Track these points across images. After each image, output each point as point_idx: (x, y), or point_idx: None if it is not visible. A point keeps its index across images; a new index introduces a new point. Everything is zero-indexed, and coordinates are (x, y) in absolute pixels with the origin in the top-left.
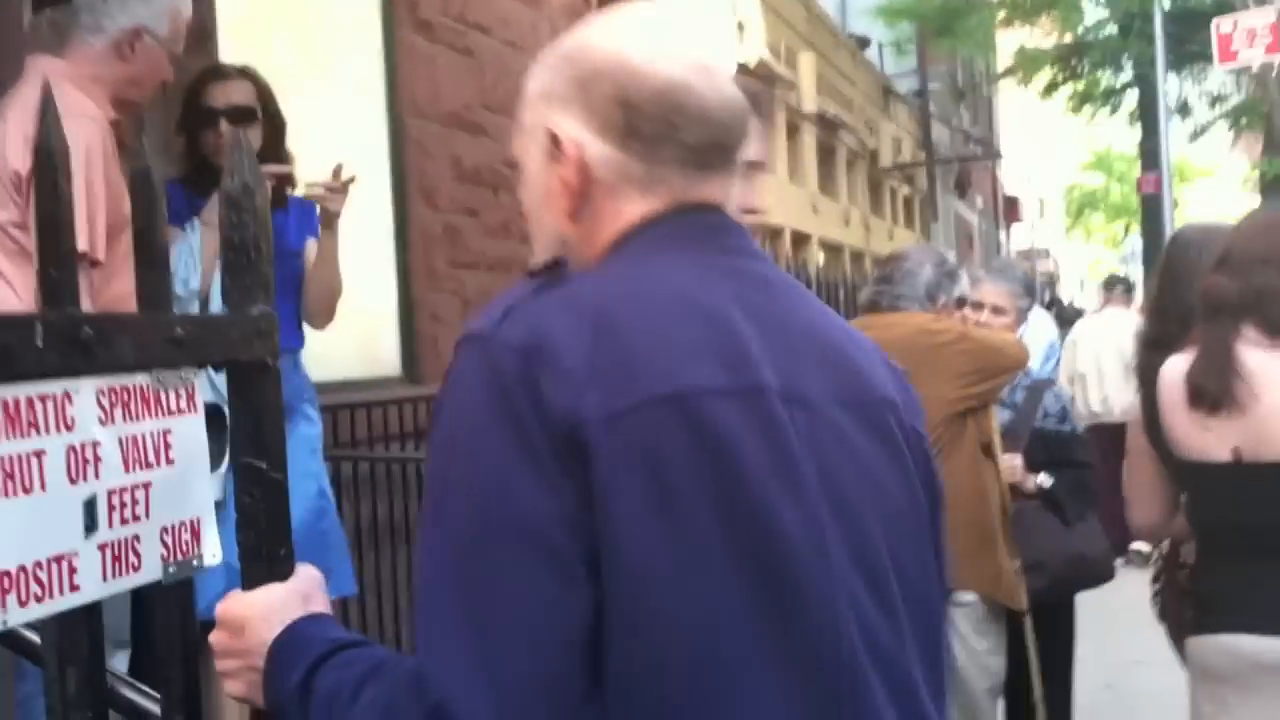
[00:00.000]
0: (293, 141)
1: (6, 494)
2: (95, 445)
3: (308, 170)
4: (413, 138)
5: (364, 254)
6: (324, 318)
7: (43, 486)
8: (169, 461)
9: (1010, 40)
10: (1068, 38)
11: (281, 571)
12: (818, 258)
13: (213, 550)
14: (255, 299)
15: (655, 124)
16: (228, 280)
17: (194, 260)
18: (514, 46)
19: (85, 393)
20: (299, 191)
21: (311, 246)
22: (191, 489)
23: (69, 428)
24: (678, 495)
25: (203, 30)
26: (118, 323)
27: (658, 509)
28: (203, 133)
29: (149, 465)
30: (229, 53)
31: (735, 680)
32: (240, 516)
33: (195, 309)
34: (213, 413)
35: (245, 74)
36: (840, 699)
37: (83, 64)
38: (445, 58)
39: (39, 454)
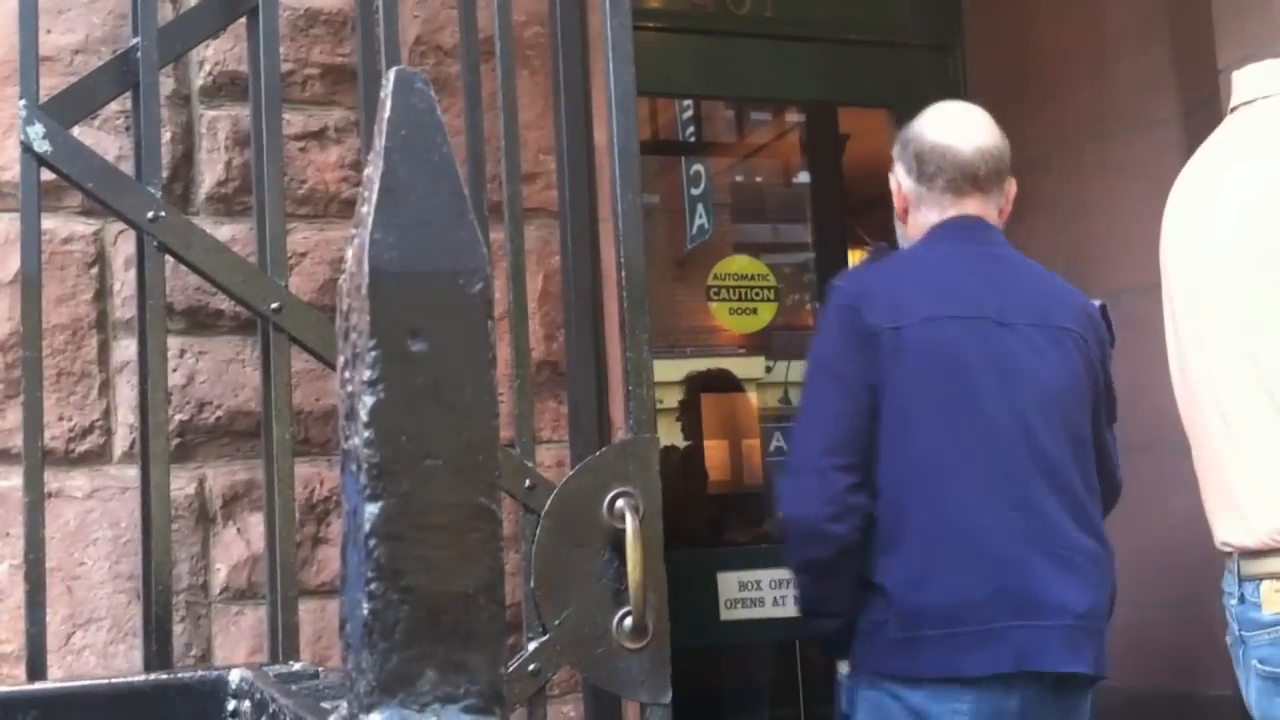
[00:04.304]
0: None
1: None
2: None
3: None
4: None
5: None
6: None
7: None
8: None
9: None
10: None
11: None
12: None
13: None
14: None
15: (929, 166)
16: None
17: None
18: None
19: None
20: None
21: None
22: None
23: None
24: (918, 363)
25: None
26: None
27: (902, 370)
28: None
29: None
30: None
31: (946, 468)
32: None
33: None
34: None
35: None
36: (1013, 484)
37: None
38: None
39: None
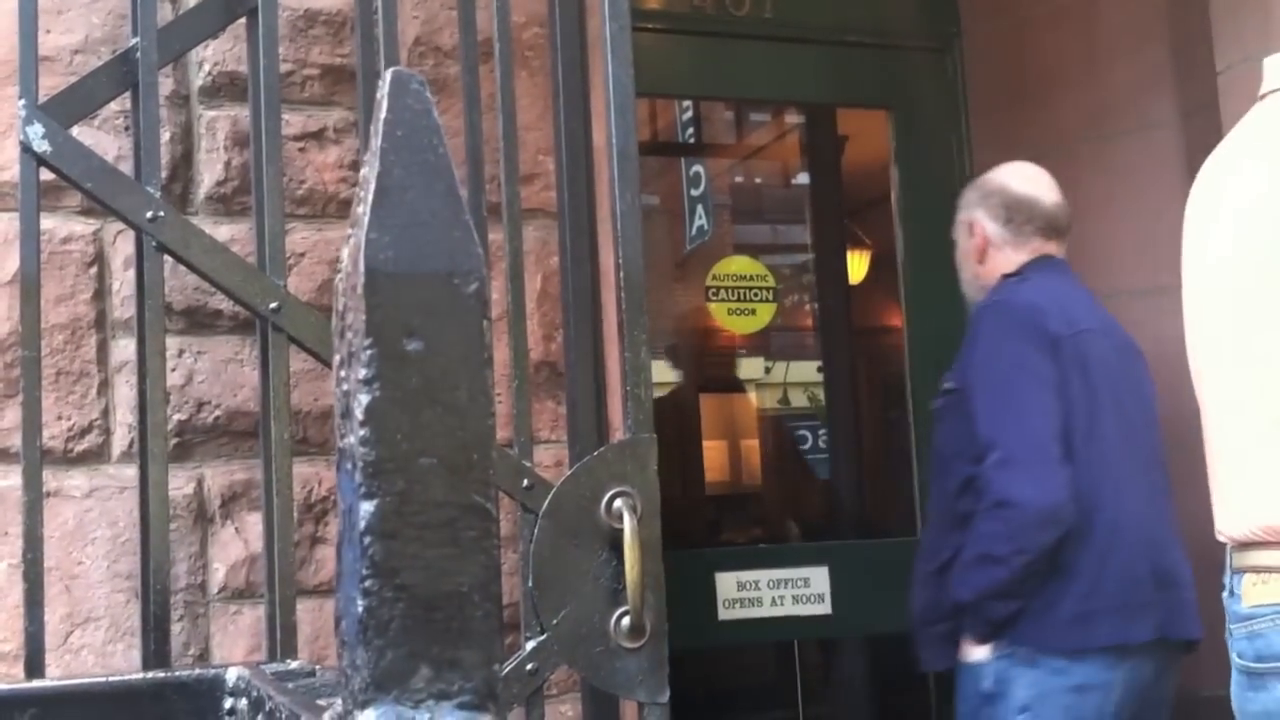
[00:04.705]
0: None
1: None
2: None
3: None
4: None
5: None
6: None
7: None
8: None
9: None
10: None
11: None
12: None
13: None
14: None
15: (1019, 215)
16: None
17: None
18: None
19: None
20: None
21: None
22: None
23: None
24: (1088, 367)
25: None
26: None
27: (1081, 374)
28: None
29: None
30: None
31: (1121, 460)
32: None
33: None
34: None
35: None
36: (1149, 474)
37: None
38: None
39: None
